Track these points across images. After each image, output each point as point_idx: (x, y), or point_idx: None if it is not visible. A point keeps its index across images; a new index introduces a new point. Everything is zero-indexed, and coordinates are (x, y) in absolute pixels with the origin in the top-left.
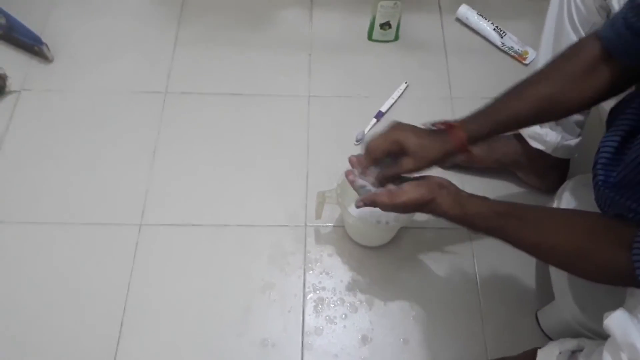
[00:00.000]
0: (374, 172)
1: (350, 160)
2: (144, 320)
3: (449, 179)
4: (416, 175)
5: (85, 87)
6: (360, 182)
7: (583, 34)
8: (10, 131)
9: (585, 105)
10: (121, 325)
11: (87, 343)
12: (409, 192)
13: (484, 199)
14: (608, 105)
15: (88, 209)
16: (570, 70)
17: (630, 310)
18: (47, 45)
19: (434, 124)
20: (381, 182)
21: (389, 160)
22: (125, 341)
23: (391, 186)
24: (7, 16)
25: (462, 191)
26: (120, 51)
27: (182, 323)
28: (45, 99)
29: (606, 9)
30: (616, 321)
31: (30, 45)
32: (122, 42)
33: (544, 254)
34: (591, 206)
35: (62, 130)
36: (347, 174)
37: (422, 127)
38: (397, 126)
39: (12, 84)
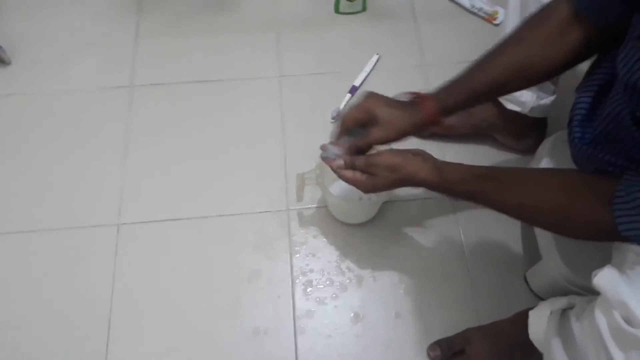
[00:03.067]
0: (347, 142)
1: (324, 160)
2: (132, 320)
3: (428, 147)
4: (387, 147)
5: (47, 88)
6: (333, 149)
7: None
8: None
9: (560, 68)
10: (109, 327)
11: (76, 348)
12: (383, 155)
13: (461, 164)
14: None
15: (62, 213)
16: (542, 33)
17: (619, 267)
18: (3, 49)
19: (406, 94)
20: (352, 152)
21: (361, 131)
22: (114, 344)
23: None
24: None
25: (438, 159)
26: (80, 48)
27: (171, 320)
28: (6, 103)
29: None
30: (605, 279)
31: None
32: (81, 38)
33: (527, 216)
34: (572, 163)
35: (28, 135)
36: (322, 157)
37: (396, 98)
38: (370, 96)
39: None
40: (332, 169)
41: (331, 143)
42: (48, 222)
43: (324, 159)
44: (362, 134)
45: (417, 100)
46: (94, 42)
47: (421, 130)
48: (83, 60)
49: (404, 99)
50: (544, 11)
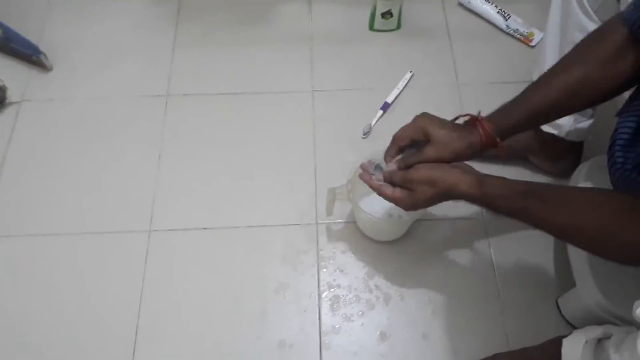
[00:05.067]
0: (398, 160)
1: (362, 167)
2: (159, 327)
3: None
4: None
5: (86, 95)
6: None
7: (591, 12)
8: (13, 143)
9: (615, 90)
10: (136, 333)
11: (103, 353)
12: (421, 169)
13: (503, 178)
14: None
15: (96, 217)
16: (597, 55)
17: None
18: (45, 54)
19: (462, 116)
20: (402, 168)
21: (414, 150)
22: (141, 351)
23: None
24: (3, 27)
25: (479, 172)
26: (119, 56)
27: (197, 328)
28: (47, 108)
29: None
30: None
31: (29, 55)
32: (120, 47)
33: (570, 236)
34: (609, 188)
35: (66, 139)
36: (362, 176)
37: (451, 120)
38: (425, 115)
39: (12, 95)
40: (371, 187)
41: (371, 162)
42: (81, 226)
43: (364, 175)
44: (414, 153)
45: (472, 121)
46: (133, 51)
47: (477, 153)
48: (121, 67)
49: (459, 121)
50: (598, 33)
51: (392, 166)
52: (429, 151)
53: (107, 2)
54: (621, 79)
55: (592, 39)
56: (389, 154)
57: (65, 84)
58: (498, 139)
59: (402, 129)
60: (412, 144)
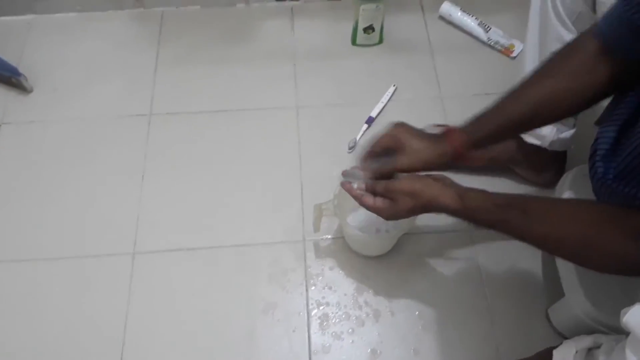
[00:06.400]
0: (372, 167)
1: (344, 186)
2: (145, 351)
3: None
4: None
5: (68, 116)
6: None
7: (569, 23)
8: None
9: (588, 102)
10: (122, 358)
11: None
12: (403, 180)
13: (483, 191)
14: None
15: (78, 241)
16: (570, 68)
17: None
18: (25, 76)
19: (436, 127)
20: (375, 178)
21: (386, 159)
22: None
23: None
24: None
25: (460, 185)
26: (101, 77)
27: (184, 351)
28: (27, 131)
29: None
30: (636, 317)
31: (7, 77)
32: (102, 67)
33: (551, 247)
34: (593, 197)
35: (47, 162)
36: (343, 184)
37: (425, 130)
38: (399, 124)
39: None
40: (353, 196)
41: (355, 167)
42: (63, 250)
43: (345, 183)
44: (387, 162)
45: (444, 131)
46: (115, 71)
47: (448, 164)
48: (103, 88)
49: (434, 131)
50: (571, 46)
51: (367, 173)
52: (401, 160)
53: (87, 22)
54: (595, 90)
55: (565, 50)
56: (363, 161)
57: (46, 105)
58: (468, 151)
59: (377, 137)
60: (385, 152)
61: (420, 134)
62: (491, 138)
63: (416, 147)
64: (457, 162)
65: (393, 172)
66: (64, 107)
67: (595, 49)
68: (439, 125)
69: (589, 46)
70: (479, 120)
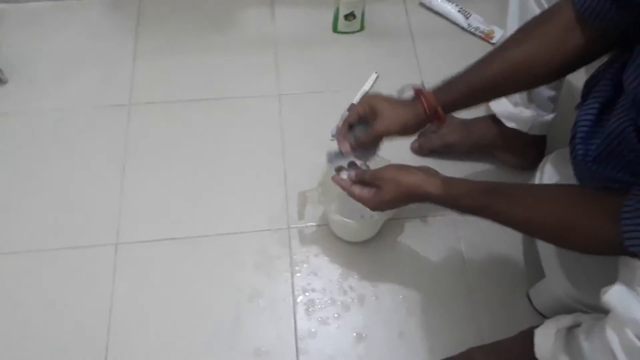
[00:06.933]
0: (351, 139)
1: (334, 179)
2: (130, 341)
3: (428, 165)
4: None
5: (45, 108)
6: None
7: (547, 6)
8: None
9: (559, 71)
10: (107, 348)
11: None
12: (389, 168)
13: (466, 180)
14: (578, 80)
15: (60, 233)
16: (543, 34)
17: (628, 284)
18: None
19: (409, 88)
20: (357, 147)
21: (364, 128)
22: None
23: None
24: None
25: (443, 175)
26: (78, 68)
27: (170, 341)
28: (2, 123)
29: None
30: (616, 296)
31: None
32: (78, 57)
33: (532, 230)
34: (573, 179)
35: (25, 154)
36: (334, 178)
37: (400, 92)
38: (372, 94)
39: None
40: (342, 187)
41: (337, 136)
42: (44, 242)
43: (336, 177)
44: (364, 129)
45: (417, 94)
46: (92, 61)
47: (423, 123)
48: (80, 78)
49: (408, 94)
50: (546, 13)
51: (346, 146)
52: (378, 125)
53: (62, 12)
54: (566, 59)
55: (540, 18)
56: (340, 133)
57: (21, 97)
58: (440, 109)
59: (351, 107)
60: (361, 121)
61: (391, 99)
62: (463, 99)
63: (391, 111)
64: (434, 123)
65: (376, 140)
66: (40, 99)
67: (571, 17)
68: (412, 87)
69: (564, 13)
70: (450, 83)
